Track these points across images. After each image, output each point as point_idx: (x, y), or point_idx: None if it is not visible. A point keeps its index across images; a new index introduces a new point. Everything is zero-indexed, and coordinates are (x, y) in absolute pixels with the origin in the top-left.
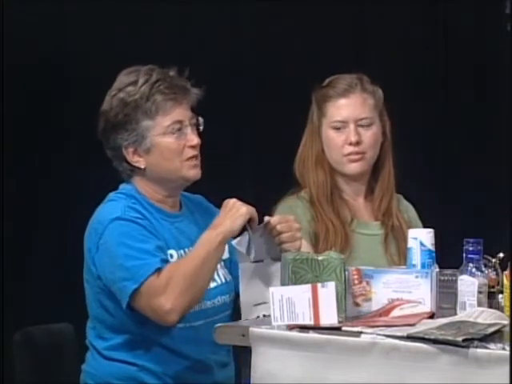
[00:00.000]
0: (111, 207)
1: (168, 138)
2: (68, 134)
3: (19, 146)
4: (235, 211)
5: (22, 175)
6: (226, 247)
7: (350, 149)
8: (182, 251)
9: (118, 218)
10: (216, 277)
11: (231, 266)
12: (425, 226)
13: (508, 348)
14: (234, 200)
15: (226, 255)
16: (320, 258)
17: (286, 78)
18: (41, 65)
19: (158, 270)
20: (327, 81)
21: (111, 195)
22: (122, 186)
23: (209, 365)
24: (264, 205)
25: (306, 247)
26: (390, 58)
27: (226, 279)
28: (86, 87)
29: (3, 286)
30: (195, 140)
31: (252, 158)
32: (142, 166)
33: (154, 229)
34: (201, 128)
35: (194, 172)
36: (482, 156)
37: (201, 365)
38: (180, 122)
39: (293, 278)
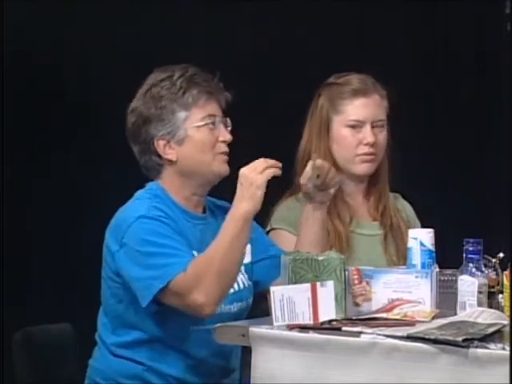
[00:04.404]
0: (136, 206)
1: (203, 130)
2: (68, 134)
3: (18, 145)
4: (251, 187)
5: (22, 175)
6: (249, 249)
7: (365, 149)
8: None
9: (143, 216)
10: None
11: (253, 269)
12: (425, 226)
13: (508, 348)
14: (246, 172)
15: (247, 259)
16: (320, 258)
17: (285, 78)
18: (41, 65)
19: (185, 268)
20: (341, 78)
21: (137, 194)
22: (149, 185)
23: (216, 370)
24: (264, 205)
25: None
26: (390, 58)
27: (244, 285)
28: (86, 87)
29: (3, 286)
30: (228, 136)
31: (252, 158)
32: (174, 159)
33: (178, 228)
34: (229, 128)
35: (224, 167)
36: (482, 156)
37: (209, 369)
38: (213, 116)
39: (293, 278)
